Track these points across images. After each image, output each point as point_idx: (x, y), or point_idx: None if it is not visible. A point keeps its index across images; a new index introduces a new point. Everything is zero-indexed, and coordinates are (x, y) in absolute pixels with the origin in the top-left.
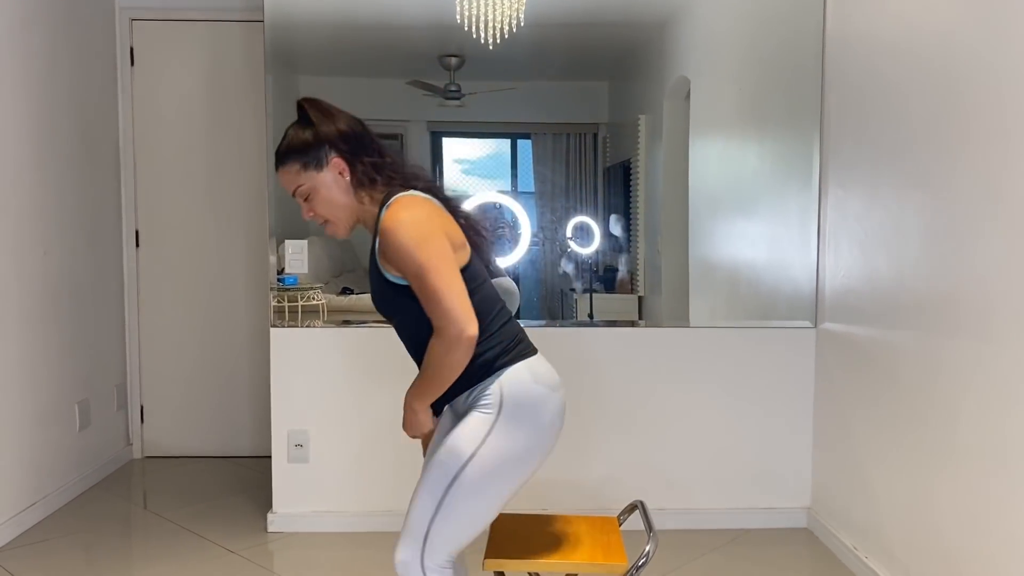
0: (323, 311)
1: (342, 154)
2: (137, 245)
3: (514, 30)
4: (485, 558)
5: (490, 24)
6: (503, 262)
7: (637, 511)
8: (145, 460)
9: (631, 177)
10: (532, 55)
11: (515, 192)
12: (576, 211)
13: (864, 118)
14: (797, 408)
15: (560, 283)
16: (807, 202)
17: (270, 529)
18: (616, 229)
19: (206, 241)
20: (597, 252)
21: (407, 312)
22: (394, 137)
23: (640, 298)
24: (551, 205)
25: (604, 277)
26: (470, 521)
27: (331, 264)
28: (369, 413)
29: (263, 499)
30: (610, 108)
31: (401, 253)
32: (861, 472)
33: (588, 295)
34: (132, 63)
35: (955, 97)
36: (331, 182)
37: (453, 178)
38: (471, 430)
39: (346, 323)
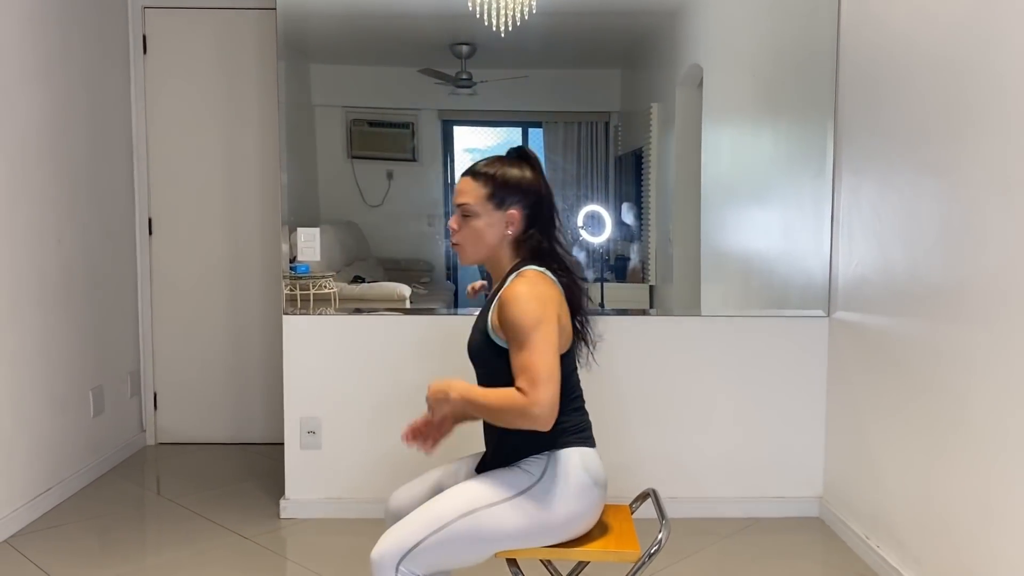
0: (335, 299)
1: (522, 210)
2: (150, 233)
3: (526, 18)
4: None
5: (502, 12)
6: None
7: (649, 499)
8: (158, 446)
9: (643, 166)
10: (544, 43)
11: None
12: (587, 200)
13: (879, 106)
14: (809, 397)
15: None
16: (821, 191)
17: (282, 515)
18: (628, 217)
19: (219, 229)
20: (608, 241)
21: (495, 373)
22: (405, 126)
23: (651, 287)
24: (562, 194)
25: (615, 266)
26: (463, 555)
27: (343, 253)
28: (381, 400)
29: (276, 486)
30: (622, 96)
31: (516, 326)
32: (873, 461)
33: (599, 284)
34: (145, 51)
35: (970, 86)
36: (495, 224)
37: (464, 167)
38: (507, 481)
39: (358, 311)
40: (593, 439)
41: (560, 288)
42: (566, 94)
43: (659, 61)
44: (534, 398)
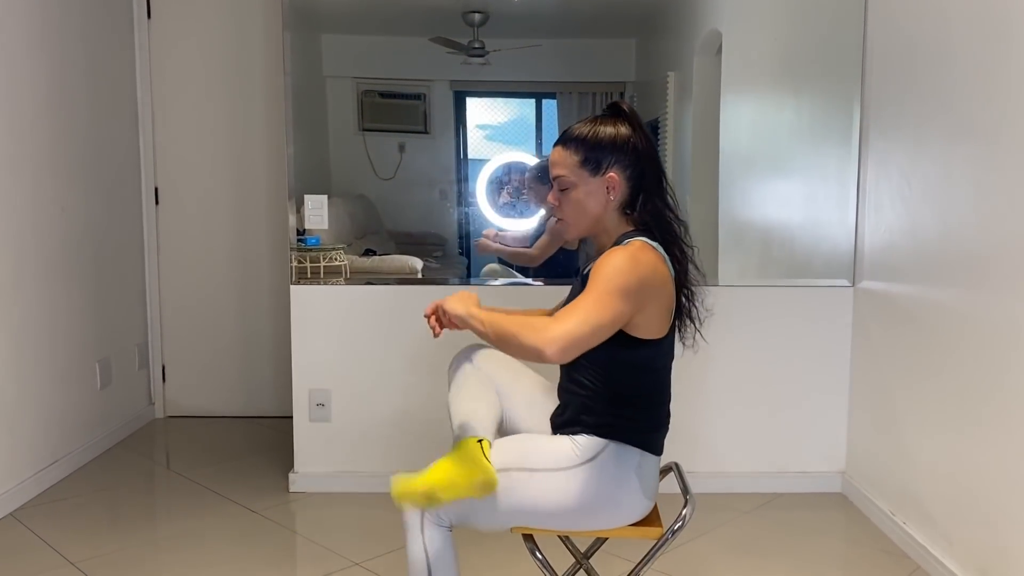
0: (346, 272)
1: (623, 172)
2: (157, 203)
3: None
4: None
5: None
6: (525, 223)
7: (671, 473)
8: (167, 419)
9: (659, 136)
10: (558, 11)
11: (540, 155)
12: None
13: (910, 66)
14: (832, 369)
15: (584, 245)
16: (846, 157)
17: (292, 489)
18: None
19: (227, 199)
20: None
21: (595, 356)
22: (417, 97)
23: None
24: None
25: None
26: (482, 514)
27: (354, 226)
28: (392, 372)
29: (285, 459)
30: (637, 66)
31: (596, 277)
32: (900, 435)
33: None
34: (149, 16)
35: (1007, 42)
36: (594, 191)
37: (476, 144)
38: (554, 451)
39: (368, 283)
40: (661, 447)
41: (668, 263)
42: (580, 64)
43: (676, 28)
44: (559, 326)
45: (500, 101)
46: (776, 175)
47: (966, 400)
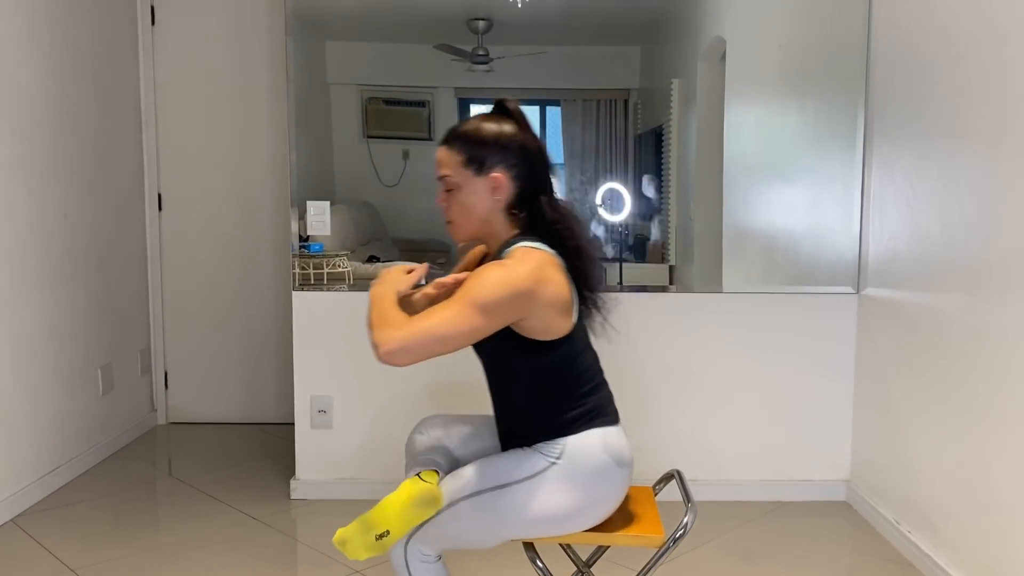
0: (349, 278)
1: (508, 171)
2: (160, 209)
3: None
4: None
5: None
6: None
7: (674, 480)
8: (170, 426)
9: (663, 144)
10: (562, 18)
11: None
12: (605, 180)
13: (914, 71)
14: (837, 377)
15: None
16: (850, 162)
17: (293, 496)
18: (649, 190)
19: (230, 205)
20: (627, 222)
21: (503, 358)
22: (421, 104)
23: (671, 268)
24: (580, 169)
25: (634, 246)
26: (472, 537)
27: (357, 232)
28: (394, 379)
29: (287, 466)
30: (642, 73)
31: (470, 283)
32: (905, 444)
33: (618, 264)
34: (153, 22)
35: (1012, 46)
36: (479, 191)
37: None
38: (521, 462)
39: None
40: (615, 415)
41: (557, 256)
42: (584, 71)
43: (680, 35)
44: (404, 330)
45: None
46: (780, 181)
47: (971, 408)
